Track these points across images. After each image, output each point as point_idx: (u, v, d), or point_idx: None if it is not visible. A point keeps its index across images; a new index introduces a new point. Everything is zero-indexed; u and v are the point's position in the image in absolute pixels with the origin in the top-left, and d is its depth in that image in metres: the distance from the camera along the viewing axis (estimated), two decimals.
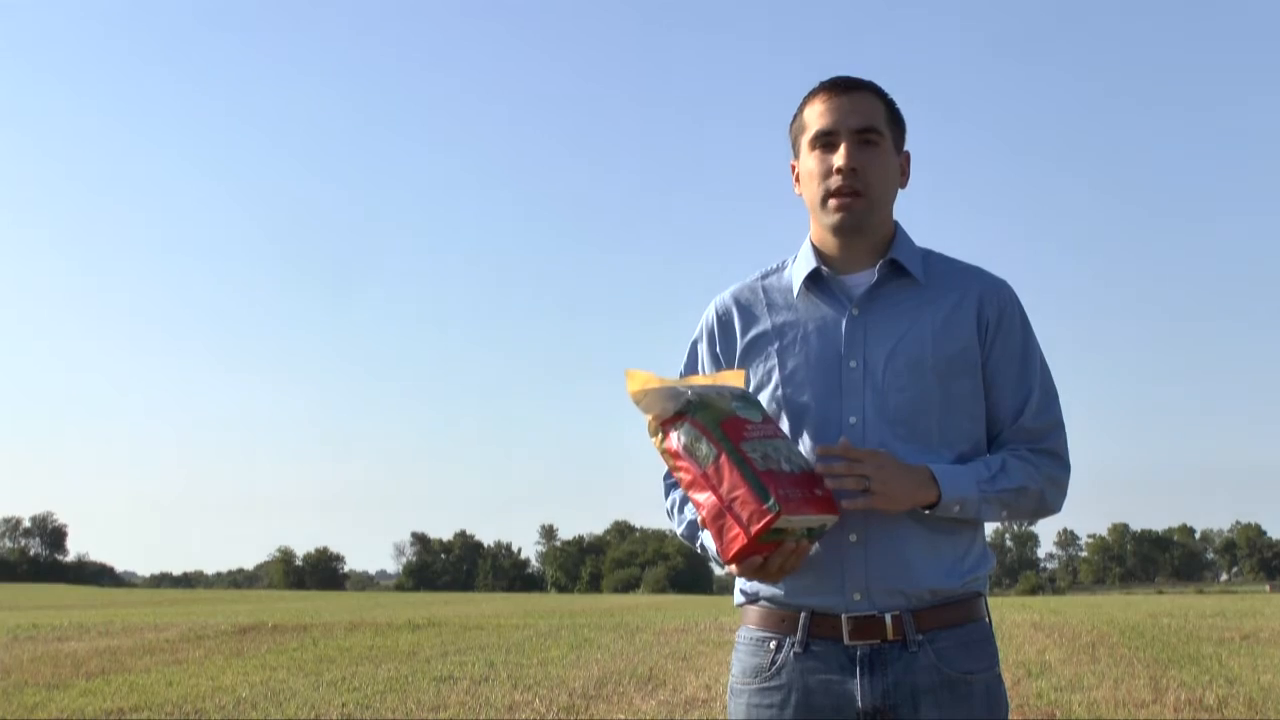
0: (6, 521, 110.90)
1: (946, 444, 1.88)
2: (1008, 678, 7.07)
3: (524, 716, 6.80)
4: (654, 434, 1.83)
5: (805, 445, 1.89)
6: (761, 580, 1.81)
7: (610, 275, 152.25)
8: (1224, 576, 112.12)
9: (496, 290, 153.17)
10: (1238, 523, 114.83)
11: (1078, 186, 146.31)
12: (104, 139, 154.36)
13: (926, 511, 1.83)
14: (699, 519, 1.80)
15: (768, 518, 1.68)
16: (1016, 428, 1.93)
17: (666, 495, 2.06)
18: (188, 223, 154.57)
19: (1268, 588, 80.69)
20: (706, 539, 1.90)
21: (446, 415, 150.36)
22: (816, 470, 1.78)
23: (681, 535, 2.03)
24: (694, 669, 9.04)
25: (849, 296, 1.94)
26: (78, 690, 8.08)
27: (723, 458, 1.73)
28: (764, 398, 1.93)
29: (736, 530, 1.71)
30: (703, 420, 1.77)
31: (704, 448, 1.75)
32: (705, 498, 1.75)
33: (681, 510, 2.02)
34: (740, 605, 1.98)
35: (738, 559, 1.74)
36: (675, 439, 1.79)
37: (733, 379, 1.88)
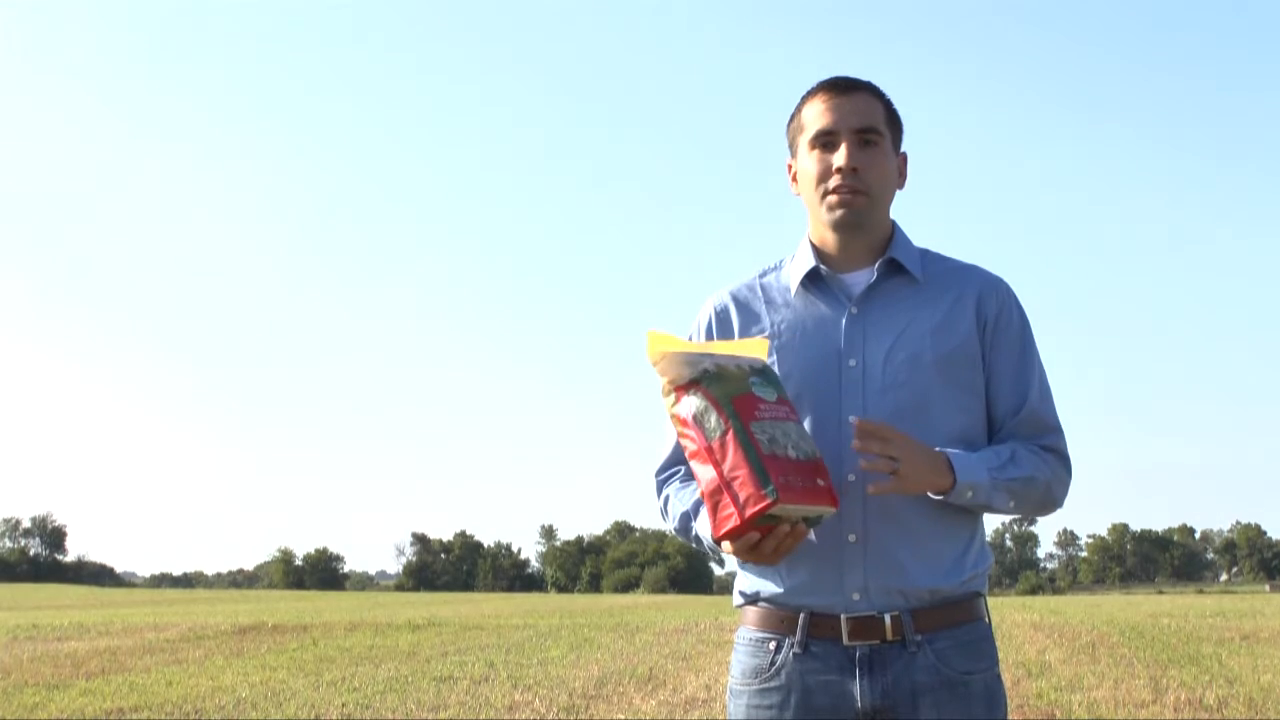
0: (6, 521, 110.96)
1: (945, 442, 1.87)
2: (1008, 678, 7.07)
3: (524, 716, 6.80)
4: (666, 395, 1.81)
5: None
6: (755, 561, 1.78)
7: (610, 276, 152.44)
8: (1224, 576, 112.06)
9: (495, 291, 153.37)
10: (1238, 523, 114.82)
11: (1080, 184, 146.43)
12: (101, 140, 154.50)
13: (939, 498, 1.83)
14: (697, 488, 1.78)
15: (764, 503, 1.66)
16: (1015, 425, 1.93)
17: (659, 493, 2.06)
18: (184, 221, 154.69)
19: (1267, 588, 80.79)
20: (701, 528, 1.90)
21: (446, 415, 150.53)
22: (853, 447, 1.76)
23: (674, 531, 2.03)
24: (694, 669, 9.04)
25: (847, 295, 1.94)
26: (78, 690, 8.08)
27: (729, 434, 1.71)
28: None
29: (731, 510, 1.69)
30: (716, 393, 1.74)
31: (713, 421, 1.73)
32: (706, 470, 1.73)
33: (672, 508, 2.01)
34: (739, 606, 1.97)
35: (728, 537, 1.73)
36: (686, 406, 1.77)
37: (756, 348, 1.86)
